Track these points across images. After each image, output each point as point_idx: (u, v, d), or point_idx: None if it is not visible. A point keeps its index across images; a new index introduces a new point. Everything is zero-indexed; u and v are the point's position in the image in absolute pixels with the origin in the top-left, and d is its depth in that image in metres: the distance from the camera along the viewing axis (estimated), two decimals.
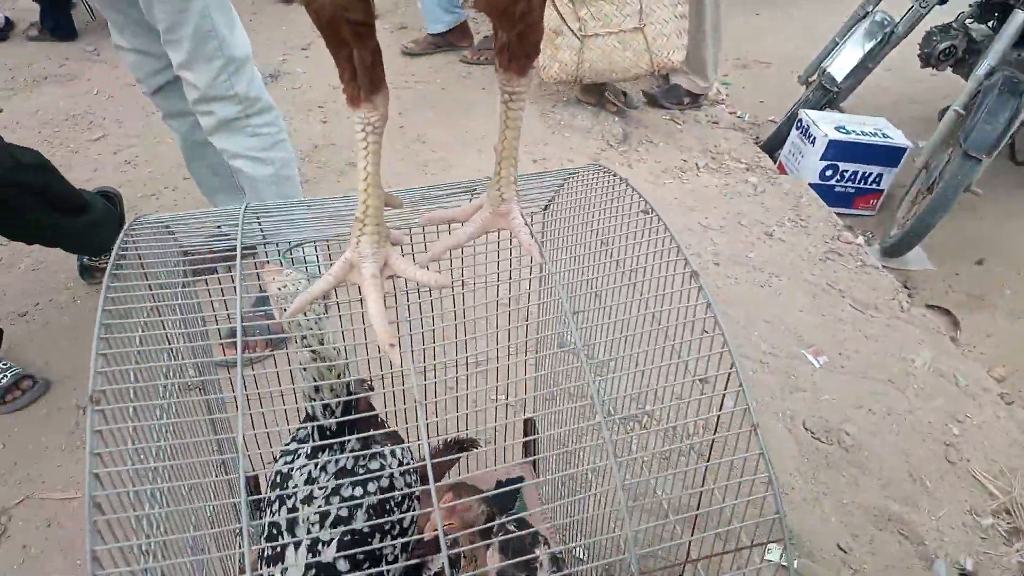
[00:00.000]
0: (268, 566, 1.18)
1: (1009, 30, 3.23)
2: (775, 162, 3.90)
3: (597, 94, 3.86)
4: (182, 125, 2.45)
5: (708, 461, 0.95)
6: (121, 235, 0.98)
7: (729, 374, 0.91)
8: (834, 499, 2.16)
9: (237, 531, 1.41)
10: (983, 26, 3.75)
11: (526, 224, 1.00)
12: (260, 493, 1.58)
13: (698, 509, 1.03)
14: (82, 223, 2.34)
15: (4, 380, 2.27)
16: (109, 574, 0.70)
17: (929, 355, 2.67)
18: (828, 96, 3.88)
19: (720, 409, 0.91)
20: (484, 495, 1.35)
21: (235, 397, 0.82)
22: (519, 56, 0.88)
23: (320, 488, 1.21)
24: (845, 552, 2.02)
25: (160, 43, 2.09)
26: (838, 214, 3.52)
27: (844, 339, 2.70)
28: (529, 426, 1.82)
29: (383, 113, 0.90)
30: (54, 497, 2.04)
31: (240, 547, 1.35)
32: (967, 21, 3.78)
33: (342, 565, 1.17)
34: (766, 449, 0.80)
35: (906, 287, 3.33)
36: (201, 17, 2.01)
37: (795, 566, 1.95)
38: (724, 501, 0.92)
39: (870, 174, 3.71)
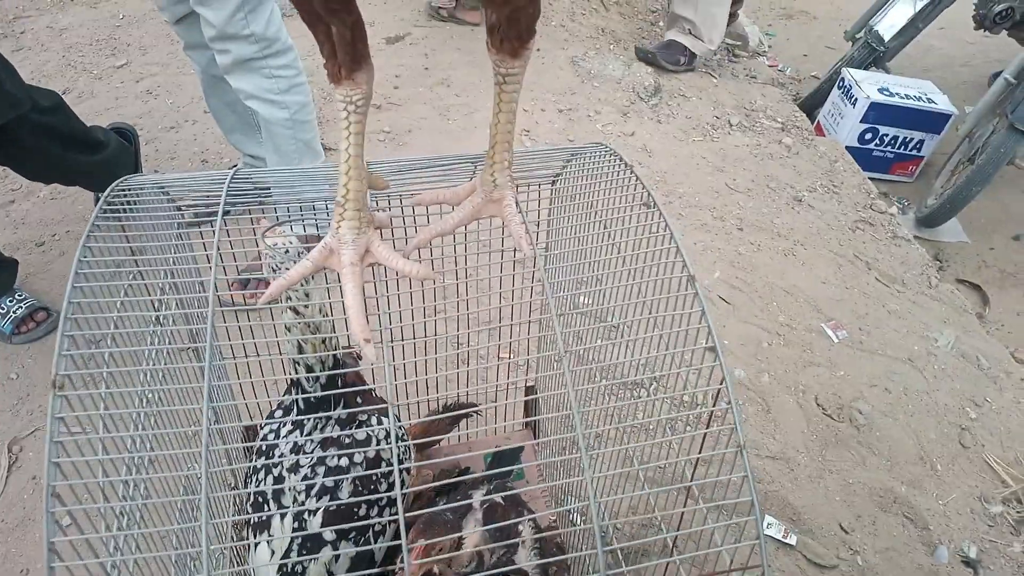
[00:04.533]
0: (255, 535, 1.18)
1: None
2: (812, 122, 3.76)
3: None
4: (202, 58, 2.40)
5: (692, 481, 0.92)
6: (100, 204, 0.95)
7: (718, 393, 0.86)
8: (839, 478, 2.13)
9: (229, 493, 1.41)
10: None
11: (519, 212, 0.95)
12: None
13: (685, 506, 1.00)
14: (97, 160, 2.32)
15: (19, 311, 2.28)
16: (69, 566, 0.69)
17: (953, 335, 2.59)
18: (874, 55, 3.71)
19: (708, 426, 0.87)
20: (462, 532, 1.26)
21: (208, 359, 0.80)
22: (511, 37, 0.82)
23: (306, 456, 1.20)
24: (846, 532, 2.00)
25: None
26: (874, 179, 3.41)
27: (866, 314, 2.63)
28: (531, 392, 1.80)
29: (366, 92, 0.84)
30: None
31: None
32: None
33: (328, 535, 1.17)
34: (751, 473, 0.77)
35: (937, 259, 3.24)
36: None
37: (791, 541, 1.93)
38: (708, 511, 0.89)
39: (911, 140, 3.57)
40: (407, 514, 1.22)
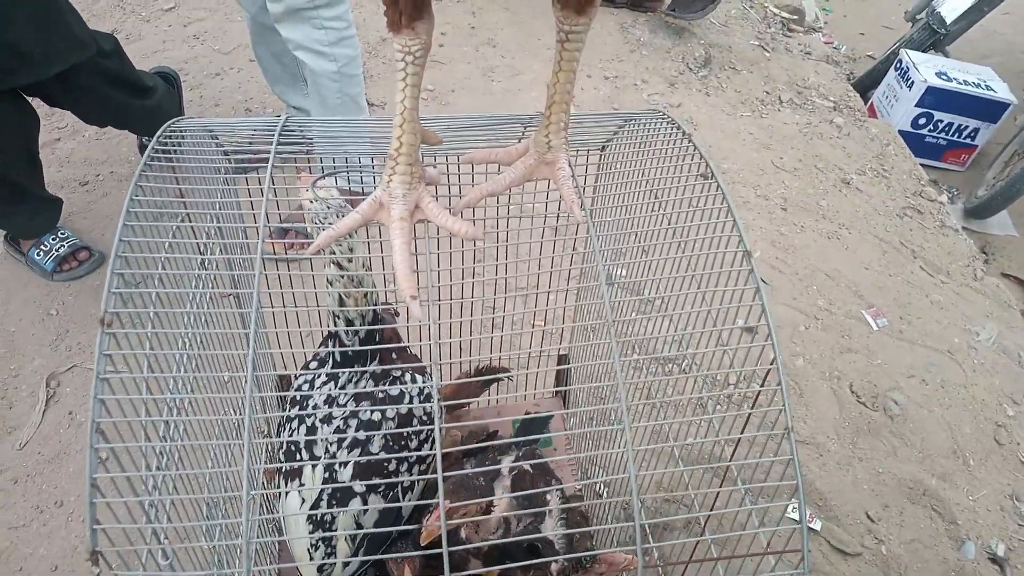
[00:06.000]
0: (285, 483, 1.19)
1: None
2: (866, 103, 3.66)
3: None
4: (252, 6, 2.38)
5: (732, 460, 0.90)
6: (152, 144, 0.95)
7: (767, 374, 0.84)
8: (869, 466, 2.11)
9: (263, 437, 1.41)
10: None
11: (572, 176, 0.93)
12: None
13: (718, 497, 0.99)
14: (147, 105, 2.34)
15: (62, 249, 2.31)
16: (109, 502, 0.69)
17: (995, 330, 2.53)
18: (934, 37, 3.59)
19: (752, 407, 0.85)
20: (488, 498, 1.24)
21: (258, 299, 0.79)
22: None
23: (339, 409, 1.20)
24: (873, 521, 1.98)
25: None
26: (924, 166, 3.32)
27: (908, 303, 2.58)
28: (563, 361, 1.79)
29: (425, 42, 0.83)
30: None
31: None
32: None
33: (358, 487, 1.17)
34: (796, 456, 0.75)
35: (984, 252, 3.16)
36: None
37: (815, 527, 1.92)
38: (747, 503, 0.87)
39: (966, 127, 3.46)
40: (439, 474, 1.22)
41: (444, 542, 0.71)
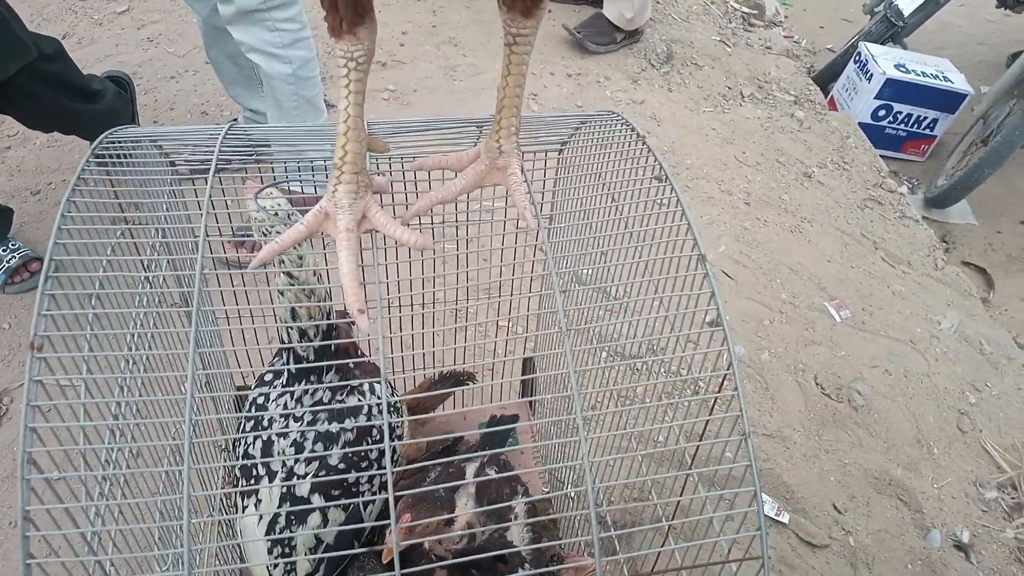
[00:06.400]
0: (242, 498, 1.16)
1: None
2: (826, 96, 3.69)
3: None
4: (203, 8, 2.33)
5: (692, 466, 0.89)
6: (87, 155, 0.91)
7: (723, 379, 0.83)
8: (835, 458, 2.12)
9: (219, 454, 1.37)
10: None
11: (525, 181, 0.91)
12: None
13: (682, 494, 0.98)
14: (95, 109, 2.28)
15: (13, 261, 2.25)
16: (46, 535, 0.66)
17: (956, 318, 2.57)
18: (892, 30, 3.63)
19: (711, 413, 0.84)
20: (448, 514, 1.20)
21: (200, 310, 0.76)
22: None
23: (296, 421, 1.18)
24: (840, 512, 1.99)
25: None
26: (884, 157, 3.35)
27: (870, 294, 2.60)
28: (528, 365, 1.77)
29: (368, 48, 0.80)
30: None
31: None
32: None
33: (316, 500, 1.15)
34: (755, 462, 0.74)
35: (944, 241, 3.20)
36: None
37: (783, 520, 1.92)
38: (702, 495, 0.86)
39: (924, 118, 3.50)
40: (398, 491, 1.20)
41: (396, 565, 0.69)
